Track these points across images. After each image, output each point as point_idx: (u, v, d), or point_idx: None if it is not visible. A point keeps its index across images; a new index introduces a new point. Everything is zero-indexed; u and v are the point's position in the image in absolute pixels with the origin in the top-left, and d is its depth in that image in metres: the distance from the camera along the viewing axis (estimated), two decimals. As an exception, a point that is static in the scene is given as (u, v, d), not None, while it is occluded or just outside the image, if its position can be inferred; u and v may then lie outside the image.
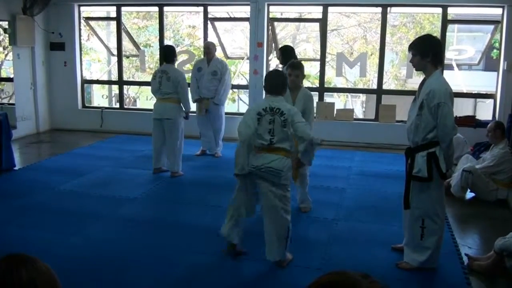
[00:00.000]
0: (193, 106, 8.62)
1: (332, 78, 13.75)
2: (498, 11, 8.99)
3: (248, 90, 10.20)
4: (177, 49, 8.67)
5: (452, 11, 9.35)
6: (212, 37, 10.17)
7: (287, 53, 6.84)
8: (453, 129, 3.87)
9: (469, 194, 6.39)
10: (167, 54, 7.04)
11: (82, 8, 10.69)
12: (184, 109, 7.02)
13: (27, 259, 1.28)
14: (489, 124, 6.48)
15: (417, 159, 3.97)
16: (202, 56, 8.63)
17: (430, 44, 4.03)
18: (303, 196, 5.70)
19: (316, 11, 10.06)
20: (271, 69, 10.50)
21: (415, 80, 10.30)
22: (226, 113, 8.62)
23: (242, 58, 11.68)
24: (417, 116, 3.94)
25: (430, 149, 3.93)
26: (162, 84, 6.85)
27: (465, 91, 10.32)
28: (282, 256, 4.19)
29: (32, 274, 1.24)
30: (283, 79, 4.34)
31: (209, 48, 8.09)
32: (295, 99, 5.29)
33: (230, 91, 8.99)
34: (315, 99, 9.73)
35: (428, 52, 3.96)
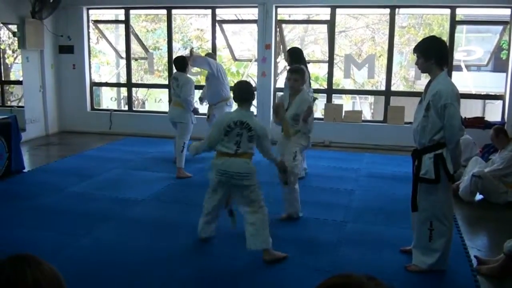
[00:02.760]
0: (204, 108, 8.70)
1: (340, 80, 13.72)
2: (507, 11, 8.96)
3: (256, 92, 10.18)
4: (186, 52, 8.79)
5: (461, 12, 9.32)
6: (220, 40, 10.20)
7: (295, 55, 6.85)
8: (460, 130, 3.85)
9: (478, 196, 6.35)
10: (177, 64, 7.39)
11: (90, 11, 10.76)
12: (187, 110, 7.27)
13: (32, 259, 1.28)
14: (491, 132, 6.48)
15: (424, 160, 3.95)
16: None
17: (433, 46, 4.01)
18: (291, 201, 5.35)
19: (324, 13, 10.05)
20: (279, 71, 10.52)
21: (424, 82, 10.21)
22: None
23: (250, 60, 11.69)
24: (424, 118, 3.92)
25: (437, 151, 3.91)
26: (174, 90, 7.27)
27: (473, 92, 10.27)
28: (268, 244, 4.33)
29: (36, 274, 1.24)
30: (250, 88, 4.58)
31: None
32: (292, 102, 5.37)
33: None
34: (324, 100, 9.77)
35: (431, 55, 3.95)
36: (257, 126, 4.34)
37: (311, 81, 7.21)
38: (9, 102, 11.90)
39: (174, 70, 7.47)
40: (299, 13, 12.20)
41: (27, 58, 9.87)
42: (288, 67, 7.29)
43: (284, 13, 11.09)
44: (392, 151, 8.96)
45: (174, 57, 8.67)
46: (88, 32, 10.78)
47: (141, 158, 8.26)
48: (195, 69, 10.00)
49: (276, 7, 9.61)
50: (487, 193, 6.20)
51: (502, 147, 6.33)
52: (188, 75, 7.44)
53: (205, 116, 8.35)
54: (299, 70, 5.44)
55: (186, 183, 6.89)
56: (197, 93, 8.12)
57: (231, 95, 8.34)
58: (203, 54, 10.05)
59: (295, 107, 5.31)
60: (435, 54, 3.94)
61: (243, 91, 4.49)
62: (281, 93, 7.17)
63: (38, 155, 8.82)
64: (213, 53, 9.07)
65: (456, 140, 3.88)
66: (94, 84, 11.19)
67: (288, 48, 8.05)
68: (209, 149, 4.54)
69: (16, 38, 9.96)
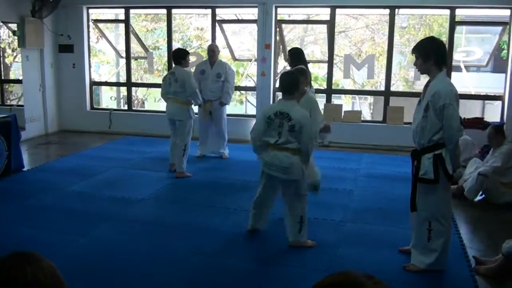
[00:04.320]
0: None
1: (339, 80, 13.73)
2: (506, 12, 8.96)
3: (256, 92, 10.20)
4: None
5: (460, 13, 9.32)
6: (220, 39, 10.19)
7: (296, 56, 6.83)
8: (458, 131, 3.86)
9: (478, 196, 6.34)
10: (175, 56, 7.31)
11: (90, 11, 10.76)
12: (195, 104, 7.41)
13: (32, 257, 1.29)
14: (489, 131, 6.43)
15: (423, 161, 3.96)
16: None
17: (432, 46, 4.01)
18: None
19: (324, 13, 10.05)
20: (278, 71, 10.53)
21: (423, 82, 10.22)
22: (236, 115, 8.64)
23: (250, 60, 11.70)
24: (423, 118, 3.93)
25: (436, 151, 3.91)
26: (172, 85, 7.15)
27: (473, 93, 10.27)
28: (295, 238, 4.62)
29: (36, 272, 1.25)
30: (293, 79, 4.60)
31: (213, 51, 8.15)
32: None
33: (238, 92, 9.05)
34: (323, 101, 9.77)
35: (430, 55, 3.95)
36: (297, 115, 4.38)
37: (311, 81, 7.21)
38: (8, 101, 11.90)
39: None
40: (299, 13, 12.19)
41: (27, 57, 9.87)
42: (288, 67, 7.30)
43: (284, 13, 11.08)
44: (391, 152, 8.97)
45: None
46: (88, 31, 10.78)
47: (140, 158, 8.27)
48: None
49: (276, 7, 9.61)
50: (488, 193, 6.20)
51: (497, 146, 6.32)
52: (186, 68, 7.34)
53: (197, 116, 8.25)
54: (302, 72, 5.34)
55: (185, 182, 6.89)
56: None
57: None
58: (203, 54, 10.08)
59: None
60: (434, 55, 3.94)
61: (282, 82, 4.60)
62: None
63: (38, 154, 8.82)
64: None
65: (455, 140, 3.89)
66: (93, 83, 11.20)
67: (288, 48, 8.07)
68: (254, 140, 4.67)
69: (16, 37, 9.96)
